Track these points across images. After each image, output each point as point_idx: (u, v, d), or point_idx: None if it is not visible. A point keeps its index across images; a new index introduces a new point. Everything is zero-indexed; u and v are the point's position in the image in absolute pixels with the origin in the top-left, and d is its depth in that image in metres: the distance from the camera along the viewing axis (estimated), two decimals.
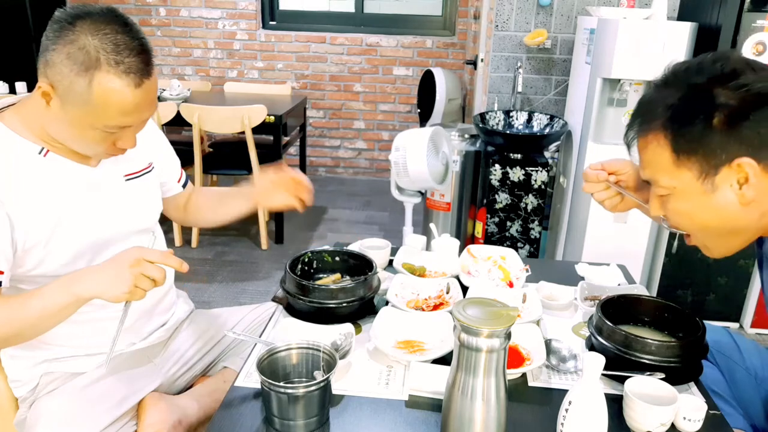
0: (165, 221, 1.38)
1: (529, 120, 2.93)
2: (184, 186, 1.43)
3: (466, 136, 2.92)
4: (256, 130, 3.16)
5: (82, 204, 1.12)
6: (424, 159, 2.32)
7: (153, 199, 1.29)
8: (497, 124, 2.94)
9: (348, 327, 1.15)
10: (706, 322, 1.13)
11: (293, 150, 4.32)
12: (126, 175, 1.21)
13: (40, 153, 1.08)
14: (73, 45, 0.96)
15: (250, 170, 3.20)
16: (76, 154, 1.12)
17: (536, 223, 2.75)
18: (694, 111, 0.94)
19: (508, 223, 2.75)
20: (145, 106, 1.04)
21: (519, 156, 2.69)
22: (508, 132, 2.87)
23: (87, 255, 1.13)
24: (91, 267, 1.03)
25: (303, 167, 4.14)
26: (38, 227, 1.06)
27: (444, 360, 1.07)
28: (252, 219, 3.25)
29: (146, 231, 1.25)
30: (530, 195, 2.70)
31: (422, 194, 2.70)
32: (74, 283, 0.99)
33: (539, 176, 2.67)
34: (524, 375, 1.08)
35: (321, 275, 1.37)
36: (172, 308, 1.37)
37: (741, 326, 2.74)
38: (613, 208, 1.26)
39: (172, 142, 1.44)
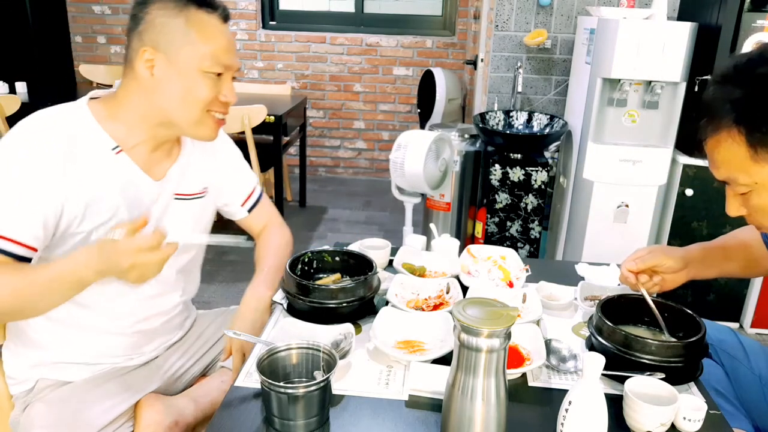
0: None
1: (529, 120, 2.93)
2: (249, 211, 1.42)
3: (466, 136, 2.92)
4: (256, 130, 3.16)
5: (131, 213, 1.13)
6: (422, 161, 2.32)
7: (195, 224, 1.28)
8: (497, 124, 2.94)
9: (348, 327, 1.15)
10: (709, 321, 1.13)
11: (293, 150, 4.32)
12: (176, 194, 1.21)
13: (113, 149, 1.10)
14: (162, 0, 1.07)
15: None
16: (146, 160, 1.14)
17: (536, 223, 2.75)
18: (767, 102, 0.90)
19: (508, 223, 2.75)
20: (233, 48, 1.13)
21: (519, 156, 2.69)
22: (508, 132, 2.87)
23: None
24: (92, 258, 0.97)
25: (303, 167, 4.15)
26: (83, 222, 1.07)
27: (444, 360, 1.07)
28: None
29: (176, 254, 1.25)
30: (530, 195, 2.70)
31: (422, 194, 2.71)
32: (83, 276, 0.98)
33: (539, 176, 2.67)
34: (524, 375, 1.08)
35: (321, 275, 1.37)
36: (179, 328, 1.37)
37: (741, 326, 2.74)
38: (656, 292, 1.27)
39: None
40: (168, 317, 1.30)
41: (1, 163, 1.02)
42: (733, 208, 1.03)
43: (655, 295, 1.22)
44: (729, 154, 0.95)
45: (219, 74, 1.10)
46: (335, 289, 1.21)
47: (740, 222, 1.08)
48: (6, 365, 1.19)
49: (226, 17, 1.11)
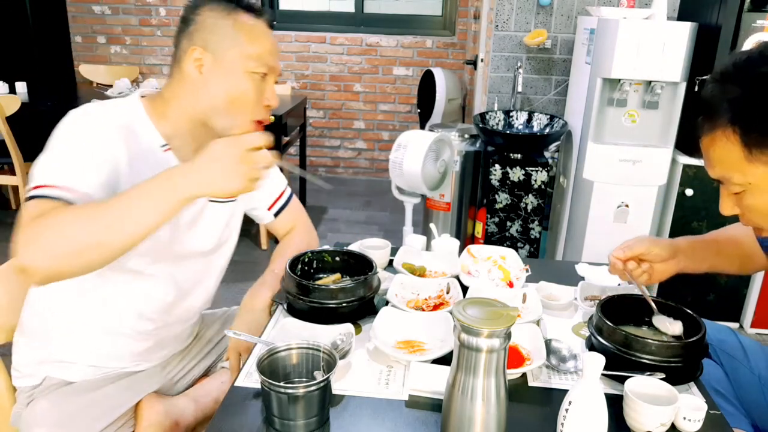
0: None
1: (529, 120, 2.93)
2: (276, 215, 1.43)
3: (466, 136, 2.92)
4: None
5: None
6: (420, 161, 2.33)
7: (225, 227, 1.28)
8: (497, 124, 2.94)
9: (348, 327, 1.15)
10: (709, 321, 1.13)
11: (293, 150, 4.32)
12: (210, 198, 1.21)
13: (162, 146, 1.12)
14: (211, 2, 1.12)
15: None
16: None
17: (536, 223, 2.75)
18: (765, 103, 0.89)
19: (508, 223, 2.75)
20: (277, 52, 1.18)
21: (519, 156, 2.69)
22: (508, 132, 2.87)
23: (146, 258, 1.14)
24: (190, 165, 0.92)
25: (303, 167, 4.14)
26: None
27: (444, 360, 1.07)
28: (251, 219, 3.25)
29: (204, 255, 1.26)
30: (530, 195, 2.70)
31: (422, 194, 2.71)
32: (179, 184, 0.91)
33: (539, 176, 2.68)
34: (524, 375, 1.08)
35: (321, 275, 1.37)
36: (190, 336, 1.37)
37: (741, 326, 2.74)
38: (645, 282, 1.24)
39: None
40: (184, 327, 1.31)
41: (65, 132, 1.03)
42: (726, 207, 1.03)
43: (654, 294, 1.21)
44: (724, 153, 0.95)
45: (263, 76, 1.13)
46: (335, 289, 1.21)
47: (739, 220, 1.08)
48: (16, 355, 1.19)
49: (270, 23, 1.17)
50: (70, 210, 0.91)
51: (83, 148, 1.01)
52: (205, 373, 1.40)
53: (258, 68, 1.11)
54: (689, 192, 2.56)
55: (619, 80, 2.44)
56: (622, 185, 2.54)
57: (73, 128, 1.04)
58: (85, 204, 0.93)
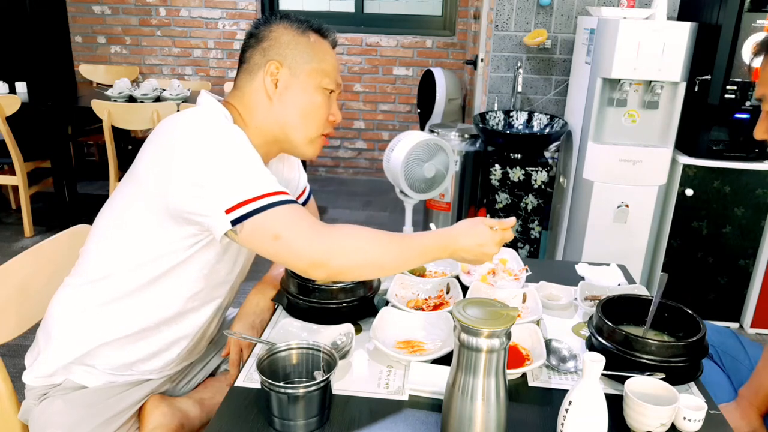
0: None
1: (529, 120, 2.93)
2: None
3: (466, 136, 2.92)
4: None
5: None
6: (402, 159, 2.31)
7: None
8: (497, 124, 2.94)
9: (348, 327, 1.15)
10: (710, 322, 1.13)
11: None
12: None
13: None
14: (285, 21, 1.16)
15: None
16: None
17: (536, 223, 2.75)
18: None
19: None
20: (340, 72, 1.24)
21: (519, 156, 2.69)
22: (508, 132, 2.87)
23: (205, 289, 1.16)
24: (461, 238, 1.08)
25: (303, 167, 4.14)
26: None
27: (444, 360, 1.07)
28: None
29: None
30: (530, 195, 2.71)
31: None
32: (453, 249, 1.07)
33: (539, 176, 2.68)
34: (524, 375, 1.08)
35: None
36: (199, 353, 1.36)
37: (741, 326, 2.74)
38: None
39: None
40: (198, 347, 1.30)
41: (224, 146, 1.02)
42: (760, 130, 1.09)
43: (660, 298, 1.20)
44: None
45: (330, 92, 1.18)
46: (335, 289, 1.21)
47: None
48: (33, 354, 1.17)
49: (334, 44, 1.23)
50: (371, 231, 1.04)
51: (252, 155, 1.04)
52: (210, 375, 1.39)
53: (329, 84, 1.17)
54: (689, 192, 2.56)
55: (619, 80, 2.44)
56: (622, 185, 2.54)
57: (228, 139, 1.03)
58: (379, 231, 1.05)
